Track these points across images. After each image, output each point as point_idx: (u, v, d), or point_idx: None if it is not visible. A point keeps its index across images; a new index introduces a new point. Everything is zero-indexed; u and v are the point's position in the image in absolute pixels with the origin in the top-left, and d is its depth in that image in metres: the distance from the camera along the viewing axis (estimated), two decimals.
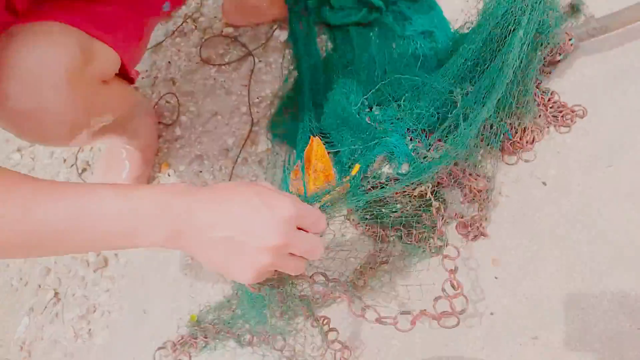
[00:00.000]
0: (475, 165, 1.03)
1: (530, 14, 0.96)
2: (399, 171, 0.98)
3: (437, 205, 0.94)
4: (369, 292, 1.00)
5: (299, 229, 0.62)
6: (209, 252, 0.59)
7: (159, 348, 1.00)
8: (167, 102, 1.34)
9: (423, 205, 0.97)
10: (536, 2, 0.97)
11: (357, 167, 0.90)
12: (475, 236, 1.01)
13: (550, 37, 1.06)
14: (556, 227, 0.99)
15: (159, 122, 1.29)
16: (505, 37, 0.98)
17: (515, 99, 1.04)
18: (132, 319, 1.05)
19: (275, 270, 0.67)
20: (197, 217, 0.58)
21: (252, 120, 1.25)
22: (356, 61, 1.28)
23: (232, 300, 1.02)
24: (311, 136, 0.86)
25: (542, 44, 1.06)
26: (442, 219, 0.95)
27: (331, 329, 0.94)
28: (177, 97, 1.32)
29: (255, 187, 0.62)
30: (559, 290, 0.94)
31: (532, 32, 0.99)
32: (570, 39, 1.10)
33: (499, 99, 1.01)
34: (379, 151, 1.00)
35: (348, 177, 0.86)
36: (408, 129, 1.03)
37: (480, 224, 1.01)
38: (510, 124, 1.05)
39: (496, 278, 0.97)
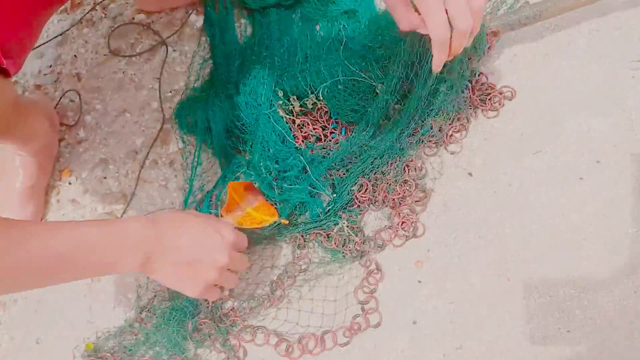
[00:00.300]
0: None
1: None
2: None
3: (341, 226, 0.91)
4: (286, 305, 0.92)
5: None
6: (171, 272, 0.72)
7: None
8: (70, 100, 1.21)
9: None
10: None
11: (284, 221, 0.91)
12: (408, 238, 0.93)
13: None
14: (482, 222, 0.92)
15: (61, 124, 1.17)
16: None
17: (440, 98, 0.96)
18: (24, 350, 0.94)
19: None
20: (166, 245, 0.70)
21: (164, 116, 1.14)
22: (275, 46, 1.17)
23: (134, 324, 0.92)
24: (227, 185, 0.90)
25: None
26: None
27: None
28: (79, 95, 1.19)
29: (203, 216, 0.78)
30: (484, 292, 0.87)
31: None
32: (497, 40, 1.01)
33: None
34: (297, 198, 0.93)
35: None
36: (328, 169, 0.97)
37: (415, 225, 0.93)
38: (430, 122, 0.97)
39: (419, 282, 0.89)
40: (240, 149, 1.03)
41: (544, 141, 0.96)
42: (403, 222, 0.92)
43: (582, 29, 1.05)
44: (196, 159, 1.06)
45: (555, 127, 0.97)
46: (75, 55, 1.28)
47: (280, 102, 1.03)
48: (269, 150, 1.00)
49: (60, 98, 1.21)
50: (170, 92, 1.18)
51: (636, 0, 1.03)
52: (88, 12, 1.33)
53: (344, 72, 1.04)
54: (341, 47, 1.12)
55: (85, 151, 1.14)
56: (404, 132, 0.94)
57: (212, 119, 1.06)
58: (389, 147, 0.93)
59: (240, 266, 0.81)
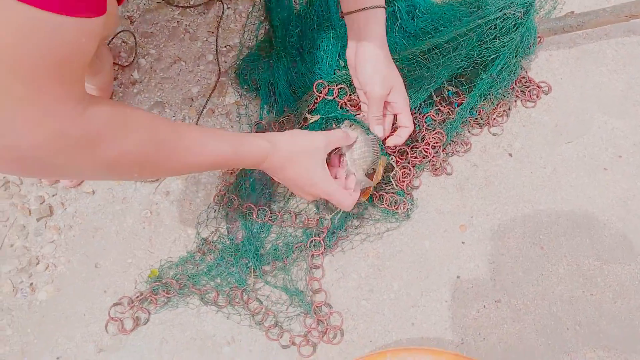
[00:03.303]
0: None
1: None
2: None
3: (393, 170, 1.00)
4: (339, 253, 1.00)
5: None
6: (283, 181, 0.86)
7: (115, 304, 0.94)
8: (123, 41, 1.22)
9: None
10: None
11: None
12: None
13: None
14: (520, 197, 1.03)
15: (114, 63, 1.19)
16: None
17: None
18: (82, 273, 0.96)
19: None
20: (278, 173, 0.83)
21: (220, 69, 1.18)
22: (335, 19, 1.23)
23: (196, 255, 0.97)
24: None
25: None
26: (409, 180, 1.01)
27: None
28: (135, 37, 1.21)
29: (309, 163, 0.83)
30: (520, 256, 0.98)
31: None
32: (540, 45, 1.13)
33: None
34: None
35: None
36: None
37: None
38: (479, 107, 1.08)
39: (463, 243, 1.00)
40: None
41: (574, 133, 1.09)
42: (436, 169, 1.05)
43: (611, 42, 1.19)
44: (257, 115, 1.12)
45: (584, 122, 1.10)
46: None
47: (341, 70, 1.10)
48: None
49: (113, 37, 1.22)
50: (225, 47, 1.22)
51: None
52: None
53: (401, 51, 1.13)
54: (396, 28, 1.20)
55: (140, 92, 1.16)
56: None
57: (277, 81, 1.11)
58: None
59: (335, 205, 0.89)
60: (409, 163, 1.03)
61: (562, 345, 0.92)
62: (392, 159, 0.99)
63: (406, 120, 0.91)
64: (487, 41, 0.98)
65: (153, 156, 0.65)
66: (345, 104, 1.01)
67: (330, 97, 1.00)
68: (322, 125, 1.01)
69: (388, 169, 1.00)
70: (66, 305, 0.96)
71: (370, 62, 0.87)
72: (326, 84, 1.00)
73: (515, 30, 0.98)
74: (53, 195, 1.04)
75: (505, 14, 0.94)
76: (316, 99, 1.02)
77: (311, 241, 0.97)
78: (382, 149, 0.94)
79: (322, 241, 0.97)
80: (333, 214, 0.98)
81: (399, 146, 0.98)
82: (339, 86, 1.00)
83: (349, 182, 0.90)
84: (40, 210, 1.03)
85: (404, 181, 1.01)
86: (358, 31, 0.86)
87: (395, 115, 0.94)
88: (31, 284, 0.97)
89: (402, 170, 1.02)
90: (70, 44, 0.51)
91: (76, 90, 0.54)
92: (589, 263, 0.97)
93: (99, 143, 0.58)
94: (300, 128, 1.04)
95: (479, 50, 1.01)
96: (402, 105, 0.90)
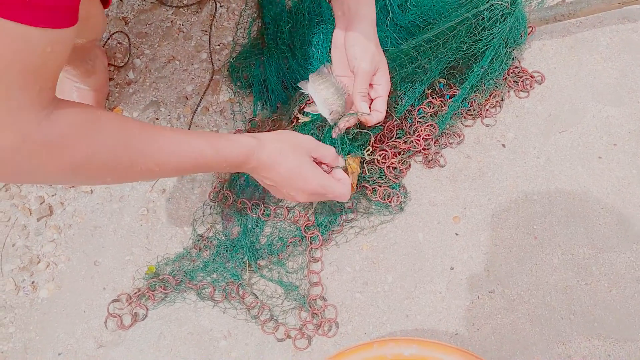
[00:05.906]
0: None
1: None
2: None
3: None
4: (333, 247, 1.00)
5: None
6: (263, 183, 0.85)
7: (113, 300, 0.96)
8: (118, 42, 1.24)
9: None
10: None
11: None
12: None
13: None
14: (513, 187, 1.03)
15: (109, 64, 1.20)
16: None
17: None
18: (82, 270, 0.99)
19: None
20: (261, 174, 0.81)
21: (214, 67, 1.19)
22: (326, 15, 1.24)
23: (192, 252, 0.98)
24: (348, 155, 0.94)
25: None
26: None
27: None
28: (129, 38, 1.22)
29: (299, 158, 0.81)
30: (514, 246, 0.98)
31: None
32: (532, 34, 1.13)
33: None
34: None
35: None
36: None
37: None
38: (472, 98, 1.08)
39: (457, 234, 1.00)
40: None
41: (568, 122, 1.09)
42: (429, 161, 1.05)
43: (605, 29, 1.18)
44: (250, 112, 1.13)
45: (578, 111, 1.10)
46: (121, 0, 1.30)
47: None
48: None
49: (108, 39, 1.23)
50: (219, 45, 1.23)
51: None
52: None
53: (393, 44, 1.14)
54: (387, 21, 1.20)
55: (135, 92, 1.18)
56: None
57: (269, 77, 1.12)
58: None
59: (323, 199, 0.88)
60: (400, 154, 1.03)
61: (557, 335, 0.92)
62: (367, 151, 0.99)
63: (380, 106, 0.90)
64: (475, 33, 0.98)
65: (124, 158, 0.64)
66: None
67: None
68: (314, 126, 1.01)
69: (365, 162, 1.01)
70: (67, 303, 0.97)
71: (361, 40, 0.86)
72: None
73: (504, 20, 0.98)
74: (52, 195, 1.06)
75: (492, 5, 0.94)
76: (308, 99, 1.02)
77: (311, 234, 0.98)
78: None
79: (319, 234, 0.98)
80: (314, 208, 1.00)
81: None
82: None
83: (336, 175, 0.88)
84: (40, 210, 1.05)
85: (394, 170, 1.01)
86: (348, 11, 0.85)
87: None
88: (33, 282, 0.99)
89: (385, 160, 1.02)
90: (35, 54, 0.51)
91: (43, 96, 0.55)
92: (583, 252, 0.97)
93: (64, 146, 0.58)
94: (292, 126, 1.04)
95: (469, 43, 1.01)
96: (383, 90, 0.90)
